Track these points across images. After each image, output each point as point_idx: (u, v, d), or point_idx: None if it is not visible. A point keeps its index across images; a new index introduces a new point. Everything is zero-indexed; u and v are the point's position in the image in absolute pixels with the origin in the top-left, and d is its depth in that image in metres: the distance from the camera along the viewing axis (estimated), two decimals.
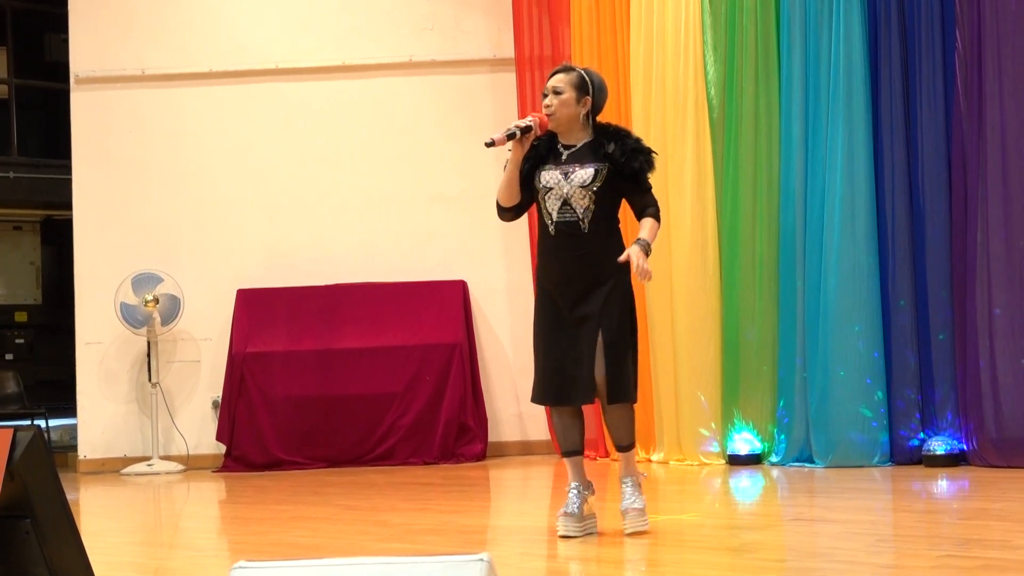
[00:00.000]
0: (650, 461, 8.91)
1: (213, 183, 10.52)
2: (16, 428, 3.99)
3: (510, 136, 5.68)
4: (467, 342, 10.00)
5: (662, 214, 5.84)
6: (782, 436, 8.40)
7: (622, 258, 5.54)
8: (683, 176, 8.76)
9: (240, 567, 2.87)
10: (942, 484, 7.34)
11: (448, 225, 10.24)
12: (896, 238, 8.16)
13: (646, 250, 5.57)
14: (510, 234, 9.63)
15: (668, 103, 8.86)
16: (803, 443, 8.29)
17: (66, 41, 10.87)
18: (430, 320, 10.07)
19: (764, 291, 8.53)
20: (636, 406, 8.91)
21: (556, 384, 5.72)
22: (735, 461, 8.49)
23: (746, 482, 7.88)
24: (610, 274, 5.64)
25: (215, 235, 10.48)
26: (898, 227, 8.16)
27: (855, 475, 7.72)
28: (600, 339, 5.60)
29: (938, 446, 7.90)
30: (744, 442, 8.52)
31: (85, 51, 10.62)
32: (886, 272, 8.19)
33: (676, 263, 8.77)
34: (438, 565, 2.82)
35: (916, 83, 8.14)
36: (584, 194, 5.63)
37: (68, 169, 10.74)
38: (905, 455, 8.04)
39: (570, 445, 5.81)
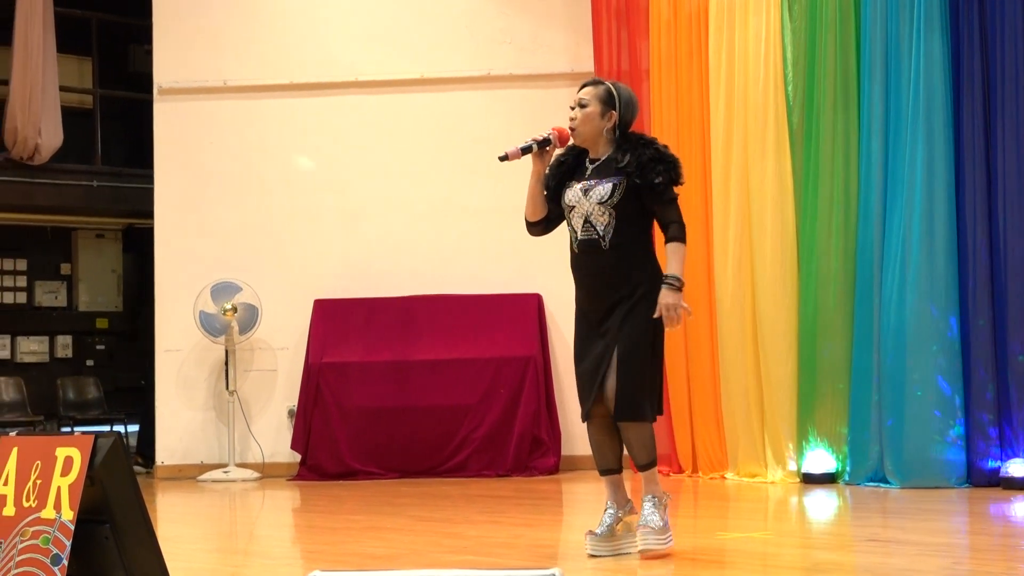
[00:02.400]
0: (723, 478, 8.87)
1: (292, 194, 10.61)
2: (97, 435, 4.06)
3: (525, 150, 5.66)
4: (541, 355, 10.01)
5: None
6: (857, 455, 8.32)
7: (656, 315, 5.47)
8: (764, 192, 8.74)
9: None
10: (1020, 507, 7.24)
11: (524, 238, 10.08)
12: (976, 258, 8.07)
13: (675, 287, 5.48)
14: None
15: (749, 118, 8.83)
16: (878, 463, 8.22)
17: (150, 53, 11.03)
18: (505, 333, 10.09)
19: (840, 308, 8.47)
20: (710, 423, 8.96)
21: (582, 400, 5.69)
22: (809, 480, 8.43)
23: (820, 501, 7.83)
24: (635, 290, 5.55)
25: (293, 245, 10.57)
26: (978, 246, 8.07)
27: (931, 496, 7.64)
28: (615, 355, 5.52)
29: (1016, 468, 7.80)
30: (818, 460, 8.46)
31: (168, 62, 10.76)
32: (965, 291, 8.10)
33: (758, 278, 8.73)
34: None
35: (997, 102, 8.06)
36: (603, 211, 5.53)
37: (150, 178, 10.89)
38: (982, 477, 7.95)
39: (604, 464, 5.74)
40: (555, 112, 10.18)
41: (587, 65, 10.05)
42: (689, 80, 9.28)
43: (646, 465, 5.62)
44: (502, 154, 5.66)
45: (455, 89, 10.54)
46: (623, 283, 5.56)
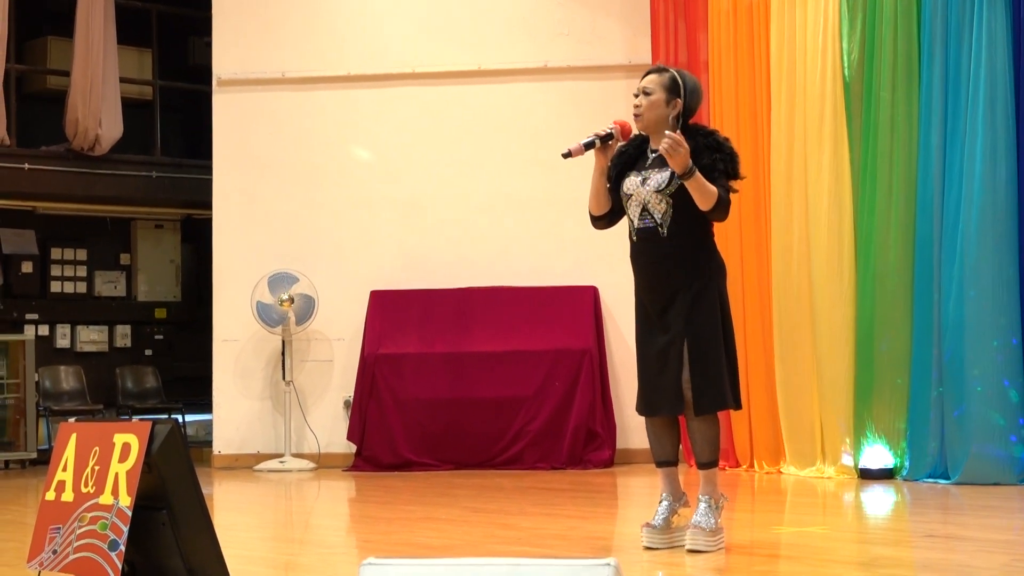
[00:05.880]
0: (780, 473, 8.82)
1: (349, 185, 10.64)
2: (154, 421, 4.08)
3: (588, 146, 5.62)
4: (597, 348, 9.99)
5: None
6: (916, 451, 8.24)
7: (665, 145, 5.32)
8: (821, 184, 8.67)
9: (369, 563, 2.90)
10: None
11: (580, 230, 10.05)
12: None
13: (690, 164, 5.33)
14: None
15: (808, 110, 8.77)
16: (937, 459, 8.13)
17: (209, 44, 11.08)
18: (561, 325, 10.08)
19: (899, 302, 8.39)
20: (767, 418, 8.91)
21: (646, 394, 5.66)
22: (867, 475, 8.36)
23: (878, 496, 7.77)
24: (696, 279, 5.53)
25: (350, 236, 10.60)
26: None
27: (991, 493, 7.56)
28: (685, 347, 5.50)
29: None
30: (876, 456, 8.39)
31: (227, 54, 10.81)
32: None
33: (815, 272, 8.67)
34: (565, 569, 2.82)
35: None
36: (660, 199, 5.51)
37: (208, 169, 10.94)
38: None
39: (662, 455, 5.72)
40: (612, 104, 10.18)
41: (644, 57, 10.01)
42: (747, 71, 9.22)
43: (707, 464, 5.59)
44: (565, 151, 5.64)
45: (512, 81, 10.53)
46: (682, 272, 5.53)
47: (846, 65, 8.67)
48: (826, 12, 8.72)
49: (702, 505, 5.55)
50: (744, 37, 9.27)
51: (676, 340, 5.52)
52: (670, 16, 9.91)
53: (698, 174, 5.39)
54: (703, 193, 5.42)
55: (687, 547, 5.46)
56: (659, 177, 5.54)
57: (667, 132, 5.41)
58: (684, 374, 5.50)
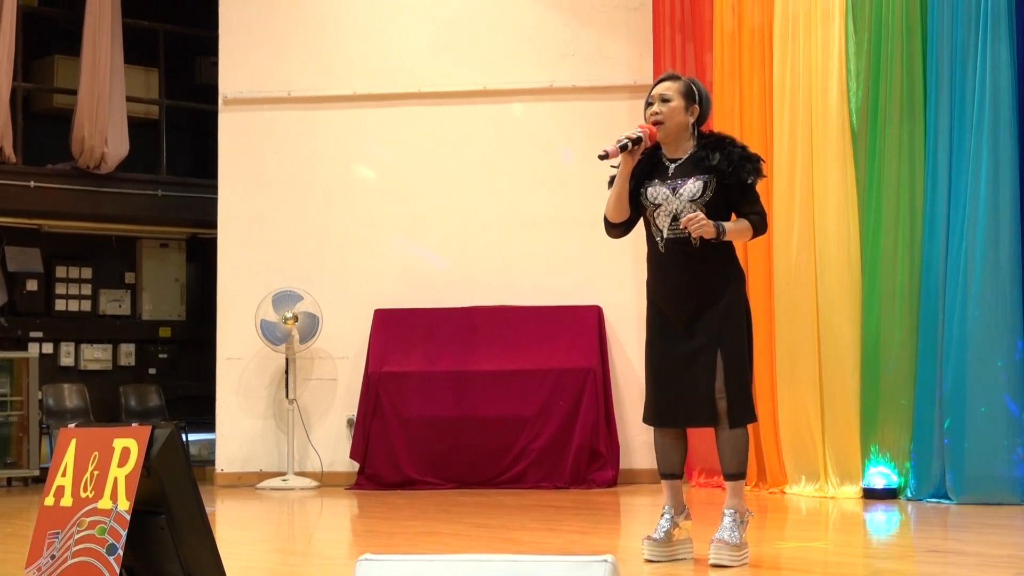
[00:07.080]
0: (783, 492, 8.79)
1: (354, 204, 10.65)
2: (154, 426, 4.07)
3: (623, 148, 5.56)
4: (601, 368, 9.98)
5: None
6: (920, 471, 8.22)
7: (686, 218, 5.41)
8: (827, 204, 8.66)
9: (366, 559, 2.89)
10: None
11: (585, 250, 10.23)
12: None
13: (716, 224, 5.40)
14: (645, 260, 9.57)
15: (814, 130, 8.77)
16: (941, 479, 8.11)
17: (215, 64, 11.11)
18: (564, 345, 10.07)
19: (904, 322, 8.38)
20: (767, 437, 8.90)
21: (668, 405, 5.60)
22: (871, 495, 8.34)
23: (881, 515, 7.75)
24: (724, 290, 5.52)
25: (355, 255, 10.61)
26: None
27: (995, 512, 7.54)
28: (720, 360, 5.45)
29: None
30: (880, 476, 8.37)
31: (233, 73, 10.84)
32: None
33: (821, 291, 8.66)
34: (563, 565, 2.82)
35: None
36: (694, 208, 5.47)
37: (214, 189, 10.96)
38: None
39: (669, 467, 5.66)
40: (617, 123, 10.16)
41: (649, 78, 9.97)
42: (751, 92, 9.23)
43: (735, 475, 5.53)
44: (602, 152, 5.56)
45: (518, 100, 10.55)
46: (714, 281, 5.52)
47: (852, 86, 8.67)
48: (833, 32, 8.73)
49: (727, 520, 5.48)
50: (748, 58, 9.28)
51: (707, 348, 5.48)
52: (676, 37, 9.93)
53: (727, 226, 5.45)
54: (742, 235, 5.53)
55: (711, 561, 5.39)
56: (693, 187, 5.52)
57: (682, 220, 5.43)
58: (717, 383, 5.45)
